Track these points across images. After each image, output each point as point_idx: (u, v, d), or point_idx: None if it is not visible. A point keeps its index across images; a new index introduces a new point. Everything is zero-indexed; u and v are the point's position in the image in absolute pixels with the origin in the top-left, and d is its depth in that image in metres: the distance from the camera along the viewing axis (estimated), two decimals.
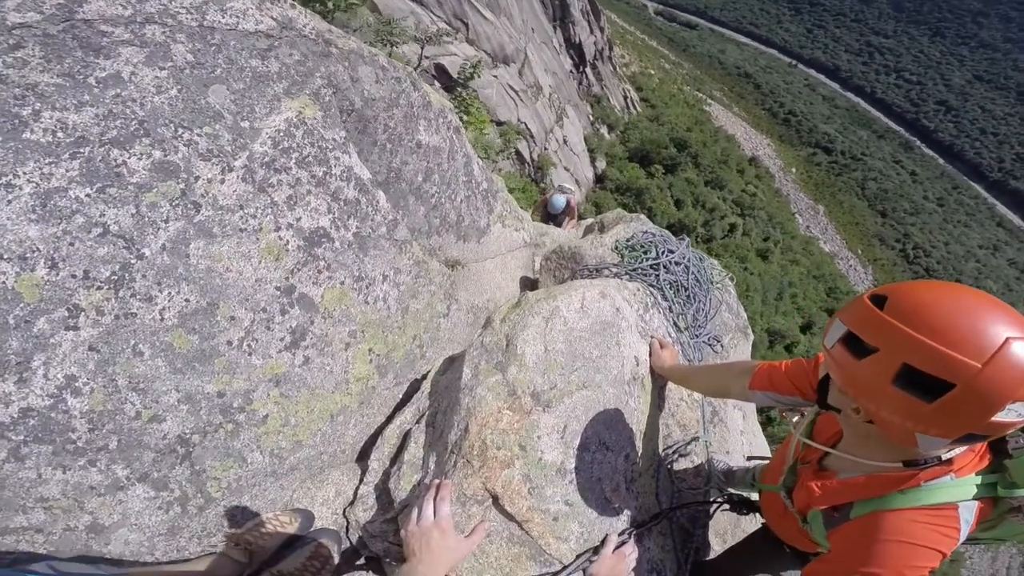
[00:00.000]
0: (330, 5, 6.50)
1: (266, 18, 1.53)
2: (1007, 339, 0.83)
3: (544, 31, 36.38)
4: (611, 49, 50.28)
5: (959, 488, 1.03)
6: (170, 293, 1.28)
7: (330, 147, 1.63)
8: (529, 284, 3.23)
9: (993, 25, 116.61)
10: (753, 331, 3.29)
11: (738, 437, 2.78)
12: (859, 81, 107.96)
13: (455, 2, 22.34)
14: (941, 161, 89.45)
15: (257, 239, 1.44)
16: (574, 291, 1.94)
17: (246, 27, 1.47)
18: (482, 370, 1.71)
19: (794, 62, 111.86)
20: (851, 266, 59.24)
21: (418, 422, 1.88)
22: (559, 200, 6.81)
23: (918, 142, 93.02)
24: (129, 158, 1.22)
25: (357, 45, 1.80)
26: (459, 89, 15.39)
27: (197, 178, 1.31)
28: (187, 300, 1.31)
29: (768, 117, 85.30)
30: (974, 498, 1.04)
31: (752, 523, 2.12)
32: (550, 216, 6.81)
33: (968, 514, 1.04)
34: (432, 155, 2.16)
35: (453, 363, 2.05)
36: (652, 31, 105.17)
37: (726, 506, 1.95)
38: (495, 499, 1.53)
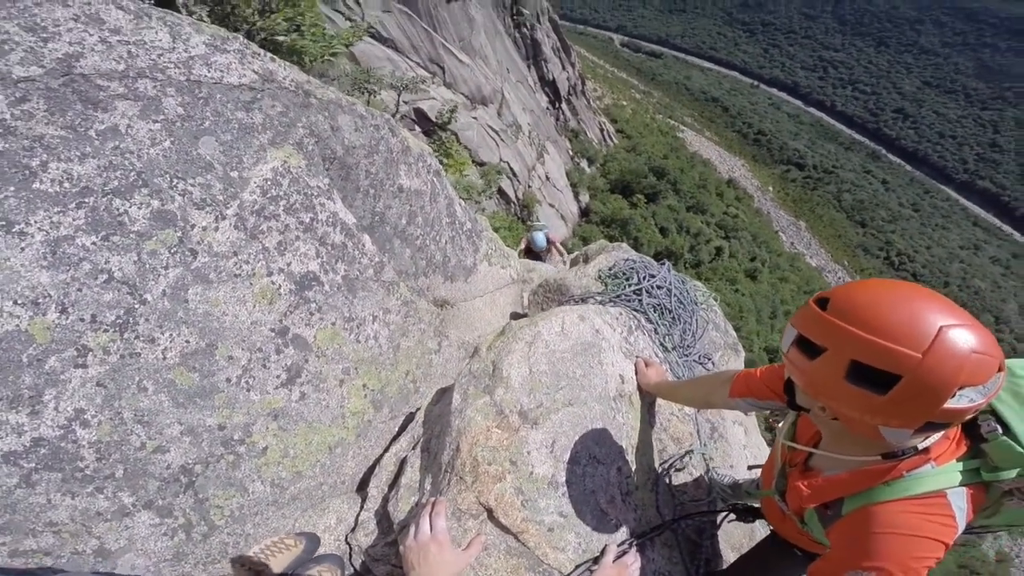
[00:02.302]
0: (306, 60, 6.72)
1: (248, 71, 1.61)
2: (941, 327, 0.88)
3: (519, 70, 37.49)
4: (583, 83, 51.80)
5: (942, 476, 1.05)
6: (171, 335, 1.36)
7: (315, 194, 1.71)
8: (518, 319, 3.26)
9: (930, 31, 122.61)
10: (752, 351, 3.34)
11: (741, 451, 2.80)
12: (819, 96, 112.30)
13: (430, 47, 23.03)
14: (908, 167, 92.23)
15: (251, 284, 1.51)
16: (554, 316, 2.03)
17: (230, 80, 1.55)
18: (470, 394, 1.77)
19: (756, 83, 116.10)
20: (839, 279, 59.82)
21: (413, 448, 1.92)
22: (539, 237, 6.81)
23: (884, 151, 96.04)
24: (130, 207, 1.29)
25: (335, 95, 1.90)
26: (439, 133, 15.75)
27: (193, 226, 1.39)
28: (187, 341, 1.39)
29: (739, 139, 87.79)
30: (960, 484, 1.05)
31: (767, 532, 2.14)
32: (536, 256, 6.80)
33: (959, 501, 1.04)
34: (414, 198, 2.24)
35: (445, 393, 2.10)
36: (620, 63, 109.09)
37: (731, 515, 1.94)
38: (489, 512, 1.57)
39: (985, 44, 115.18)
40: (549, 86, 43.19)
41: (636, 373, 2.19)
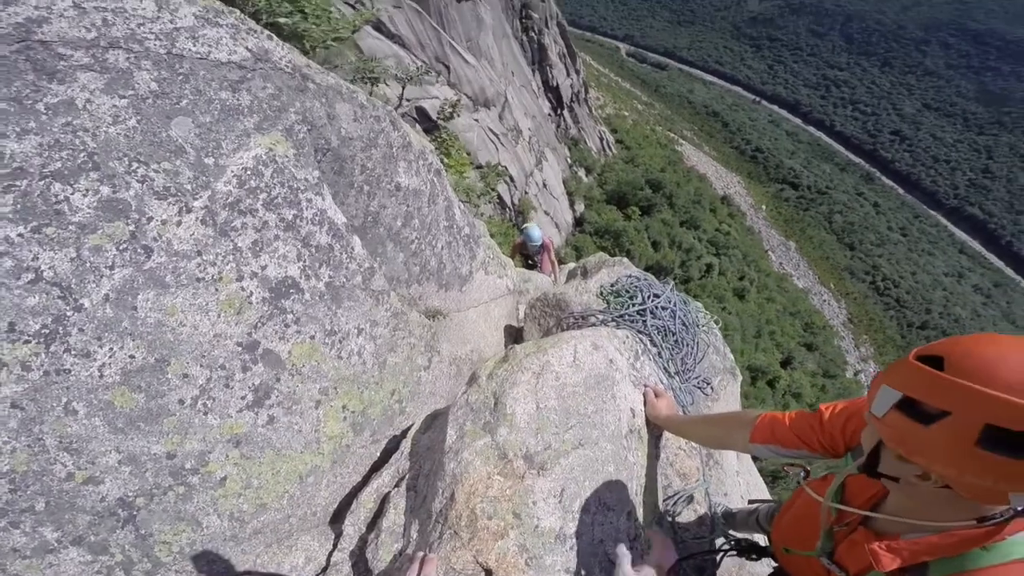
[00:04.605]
0: (307, 45, 6.45)
1: (240, 48, 1.44)
2: None
3: (523, 74, 37.49)
4: (587, 91, 52.00)
5: None
6: (112, 349, 1.14)
7: (302, 188, 1.52)
8: (513, 333, 3.12)
9: (935, 53, 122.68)
10: None
11: (734, 478, 2.73)
12: (819, 115, 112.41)
13: (437, 45, 22.89)
14: (900, 191, 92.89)
15: (216, 290, 1.31)
16: (565, 344, 1.85)
17: (218, 57, 1.38)
18: (468, 432, 1.58)
19: (758, 99, 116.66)
20: (825, 301, 60.60)
21: (397, 485, 1.72)
22: (534, 231, 6.53)
23: (878, 173, 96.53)
24: (72, 194, 1.09)
25: (335, 81, 1.72)
26: (440, 131, 15.53)
27: (150, 219, 1.18)
28: (132, 356, 1.17)
29: (736, 155, 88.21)
30: None
31: (759, 566, 2.04)
32: (529, 256, 6.62)
33: None
34: (412, 198, 2.07)
35: (435, 420, 1.91)
36: (625, 73, 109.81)
37: (733, 552, 1.85)
38: (488, 574, 1.38)
39: (988, 67, 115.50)
40: (552, 92, 43.15)
41: (645, 404, 2.05)
